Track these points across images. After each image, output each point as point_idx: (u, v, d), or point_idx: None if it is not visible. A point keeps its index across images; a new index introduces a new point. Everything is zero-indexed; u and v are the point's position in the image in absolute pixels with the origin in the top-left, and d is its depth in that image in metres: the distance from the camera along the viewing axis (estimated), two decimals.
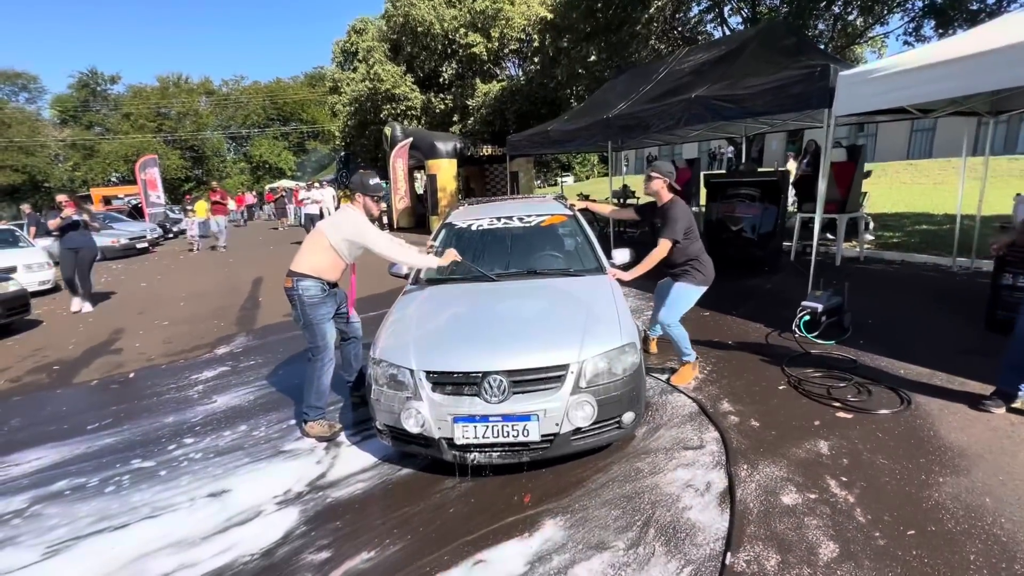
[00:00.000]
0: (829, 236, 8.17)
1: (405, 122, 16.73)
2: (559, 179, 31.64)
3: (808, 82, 4.63)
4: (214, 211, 14.15)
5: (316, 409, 3.26)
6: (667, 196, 3.62)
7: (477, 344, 2.60)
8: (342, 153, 24.87)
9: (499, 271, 3.54)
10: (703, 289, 3.62)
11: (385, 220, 16.38)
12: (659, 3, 9.09)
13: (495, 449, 2.47)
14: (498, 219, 4.03)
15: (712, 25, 10.77)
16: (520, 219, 4.01)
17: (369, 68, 16.61)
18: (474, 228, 3.98)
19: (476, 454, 2.48)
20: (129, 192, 26.04)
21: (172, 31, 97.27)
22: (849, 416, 3.05)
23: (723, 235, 8.32)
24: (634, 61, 9.79)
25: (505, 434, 2.40)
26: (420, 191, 17.95)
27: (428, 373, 2.50)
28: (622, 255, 3.73)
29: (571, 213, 4.11)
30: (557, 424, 2.41)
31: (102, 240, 14.30)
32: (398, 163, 14.71)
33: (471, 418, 2.40)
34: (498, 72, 16.31)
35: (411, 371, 2.52)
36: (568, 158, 27.77)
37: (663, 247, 3.49)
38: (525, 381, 2.44)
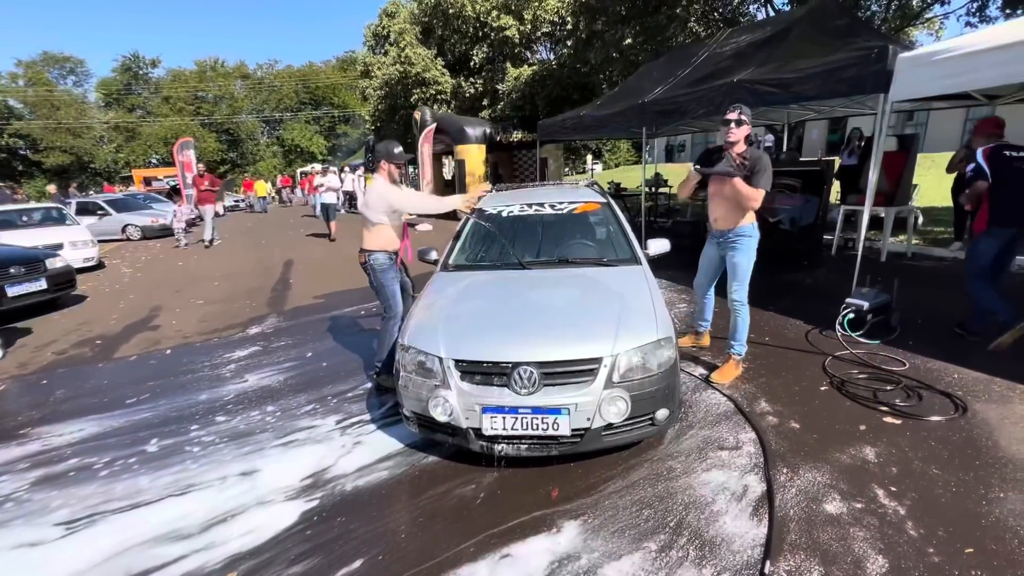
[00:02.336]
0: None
1: (435, 106, 16.64)
2: (588, 167, 31.17)
3: (863, 65, 4.33)
4: (200, 200, 11.94)
5: (381, 367, 3.64)
6: (744, 147, 3.40)
7: (508, 333, 2.53)
8: (369, 138, 25.02)
9: (530, 259, 3.46)
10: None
11: None
12: None
13: (523, 441, 2.41)
14: (528, 205, 3.93)
15: (755, 6, 10.28)
16: (551, 206, 3.90)
17: (400, 51, 16.54)
18: (504, 215, 3.89)
19: (504, 445, 2.42)
20: (169, 173, 26.91)
21: (210, 15, 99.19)
22: (898, 422, 2.88)
23: (760, 226, 8.00)
24: (671, 45, 9.42)
25: (534, 427, 2.34)
26: (448, 176, 17.92)
27: (457, 361, 2.45)
28: (658, 245, 3.60)
29: (604, 200, 3.98)
30: (588, 419, 2.33)
31: (142, 219, 14.84)
32: (425, 148, 14.68)
33: (500, 409, 2.35)
34: (529, 56, 16.02)
35: (440, 359, 2.48)
36: (598, 145, 27.22)
37: (757, 195, 3.26)
38: (556, 373, 2.36)
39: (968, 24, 9.40)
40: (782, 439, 2.76)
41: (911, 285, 5.25)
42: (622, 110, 7.58)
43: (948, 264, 6.52)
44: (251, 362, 4.39)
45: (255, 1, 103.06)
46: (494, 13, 14.39)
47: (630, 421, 2.40)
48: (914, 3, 9.44)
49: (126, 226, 14.39)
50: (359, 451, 2.89)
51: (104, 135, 40.28)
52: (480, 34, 15.76)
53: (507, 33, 14.41)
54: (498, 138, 14.16)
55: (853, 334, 4.08)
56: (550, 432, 2.34)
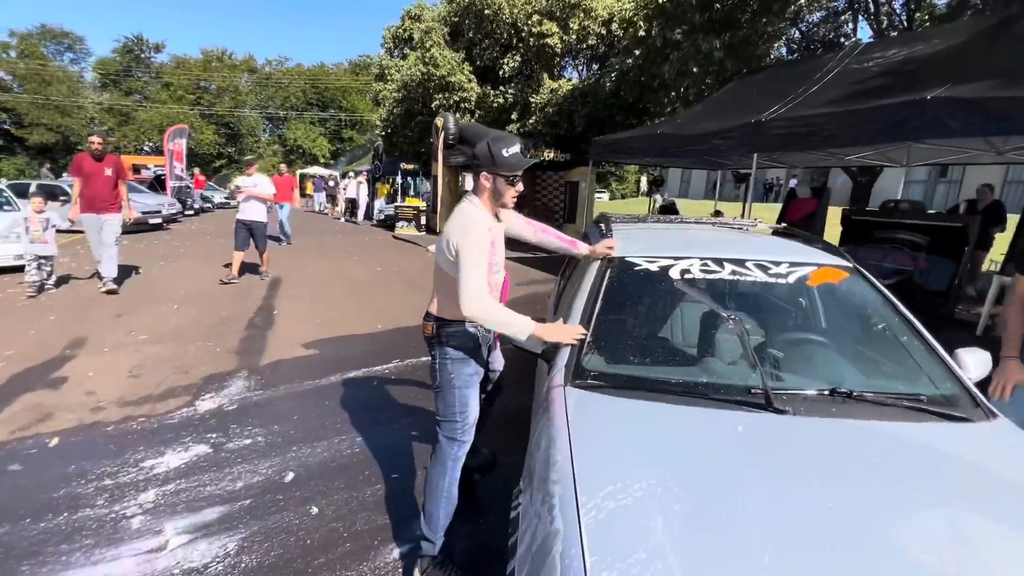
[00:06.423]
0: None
1: (457, 115, 15.07)
2: (656, 195, 29.55)
3: None
4: (90, 204, 6.01)
5: (427, 542, 1.97)
6: None
7: None
8: (376, 143, 23.51)
9: (772, 384, 1.67)
10: None
11: (424, 221, 14.76)
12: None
13: None
14: (718, 263, 2.15)
15: (852, 25, 8.87)
16: (760, 267, 2.13)
17: (425, 52, 15.01)
18: (673, 275, 2.11)
19: None
20: (159, 163, 24.99)
21: (222, 5, 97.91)
22: None
23: None
24: (763, 62, 7.93)
25: None
26: (465, 189, 16.26)
27: None
28: (979, 360, 1.85)
29: (849, 264, 2.23)
30: None
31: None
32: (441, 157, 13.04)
33: None
34: (568, 69, 14.60)
35: None
36: (660, 171, 25.14)
37: None
38: None
39: None
40: None
41: None
42: (722, 129, 5.95)
43: None
44: (184, 488, 2.51)
45: None
46: (535, 18, 12.93)
47: None
48: None
49: None
50: None
51: (96, 117, 38.22)
52: (514, 41, 14.31)
53: (548, 41, 12.93)
54: (529, 155, 12.56)
55: None
56: None
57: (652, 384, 1.72)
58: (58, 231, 6.33)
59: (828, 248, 2.35)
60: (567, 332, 1.81)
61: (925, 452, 1.42)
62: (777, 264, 2.13)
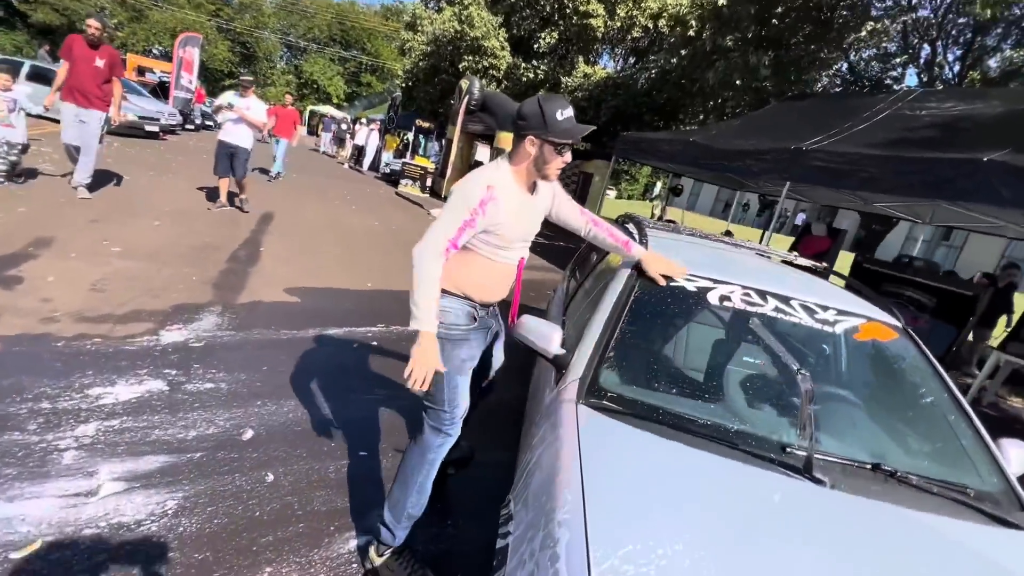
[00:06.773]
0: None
1: (484, 81, 14.55)
2: (654, 195, 28.90)
3: None
4: (74, 91, 5.39)
5: (387, 530, 1.76)
6: None
7: None
8: (395, 94, 22.72)
9: (792, 444, 1.48)
10: None
11: (429, 183, 14.33)
12: (873, 26, 6.93)
13: None
14: (760, 294, 1.94)
15: (898, 70, 8.63)
16: (806, 309, 1.93)
17: (463, 9, 14.38)
18: (712, 299, 1.90)
19: None
20: (166, 69, 23.86)
21: None
22: None
23: None
24: (807, 89, 7.67)
25: None
26: (480, 159, 15.88)
27: None
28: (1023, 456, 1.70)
29: (900, 324, 2.04)
30: None
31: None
32: (459, 122, 12.59)
33: None
34: (604, 56, 14.12)
35: None
36: (672, 179, 24.96)
37: None
38: None
39: None
40: None
41: None
42: (757, 150, 5.72)
43: None
44: (130, 428, 2.27)
45: None
46: None
47: None
48: None
49: None
50: None
51: (107, 7, 36.31)
52: (556, 16, 13.77)
53: (591, 23, 12.44)
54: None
55: None
56: None
57: (677, 420, 1.51)
58: (29, 116, 5.84)
59: (877, 301, 2.16)
60: (422, 369, 1.53)
61: (981, 564, 1.25)
62: (824, 309, 1.93)
